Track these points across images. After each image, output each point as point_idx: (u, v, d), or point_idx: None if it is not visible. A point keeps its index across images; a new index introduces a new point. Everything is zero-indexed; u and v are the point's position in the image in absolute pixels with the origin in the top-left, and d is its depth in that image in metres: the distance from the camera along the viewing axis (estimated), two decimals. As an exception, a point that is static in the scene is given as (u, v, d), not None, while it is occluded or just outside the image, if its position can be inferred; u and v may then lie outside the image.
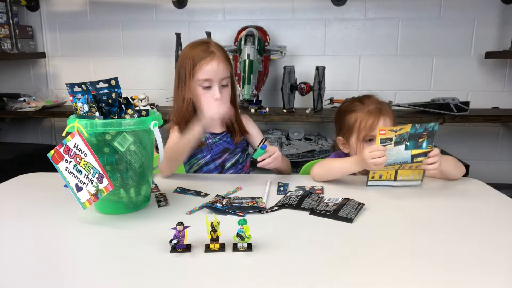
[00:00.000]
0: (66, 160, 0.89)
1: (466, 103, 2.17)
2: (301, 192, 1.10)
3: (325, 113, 2.23)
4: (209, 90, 1.29)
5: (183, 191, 1.13)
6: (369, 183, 1.16)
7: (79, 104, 0.94)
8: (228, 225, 0.82)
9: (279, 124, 2.54)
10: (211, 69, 1.27)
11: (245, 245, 0.78)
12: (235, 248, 0.78)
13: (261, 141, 1.31)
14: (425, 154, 1.10)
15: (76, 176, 0.88)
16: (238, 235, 0.77)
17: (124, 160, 0.93)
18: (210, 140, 1.39)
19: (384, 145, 1.08)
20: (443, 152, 2.15)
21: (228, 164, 1.40)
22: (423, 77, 2.44)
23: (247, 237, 0.77)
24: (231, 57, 1.38)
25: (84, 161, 0.87)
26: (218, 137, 1.39)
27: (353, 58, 2.46)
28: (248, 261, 0.75)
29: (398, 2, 2.37)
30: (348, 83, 2.46)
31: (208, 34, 2.29)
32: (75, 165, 0.88)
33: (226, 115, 1.27)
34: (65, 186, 0.91)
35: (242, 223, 0.77)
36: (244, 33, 2.21)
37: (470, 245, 0.81)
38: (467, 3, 2.33)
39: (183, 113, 1.34)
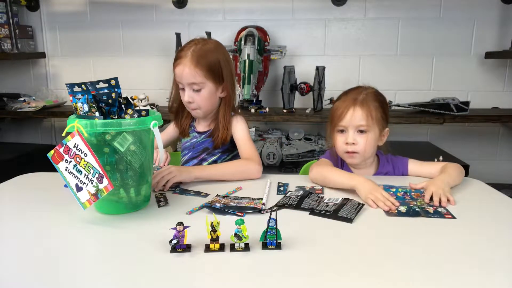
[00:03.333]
0: (66, 160, 0.89)
1: (466, 103, 2.17)
2: (301, 192, 1.10)
3: (325, 113, 2.23)
4: (184, 92, 1.30)
5: (183, 191, 1.13)
6: None
7: (79, 104, 0.94)
8: (228, 225, 0.81)
9: (279, 124, 2.54)
10: (178, 73, 1.27)
11: (242, 245, 0.78)
12: (232, 248, 0.78)
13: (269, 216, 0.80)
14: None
15: (76, 176, 0.88)
16: (235, 235, 0.77)
17: (124, 160, 0.93)
18: (194, 140, 1.40)
19: None
20: (443, 152, 2.15)
21: (205, 164, 1.38)
22: (423, 77, 2.44)
23: (245, 237, 0.77)
24: (231, 57, 1.35)
25: (84, 161, 0.87)
26: (203, 136, 1.38)
27: (353, 58, 2.46)
28: (248, 261, 0.75)
29: (398, 2, 2.37)
30: (348, 83, 2.42)
31: (208, 34, 2.29)
32: (75, 165, 0.88)
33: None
34: (65, 186, 0.91)
35: (240, 223, 0.77)
36: (244, 33, 2.21)
37: (470, 245, 0.81)
38: (467, 3, 2.33)
39: (179, 105, 1.38)
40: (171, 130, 1.47)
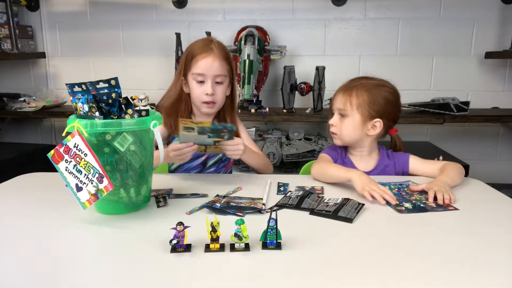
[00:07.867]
0: (66, 160, 0.89)
1: (466, 103, 2.17)
2: (301, 192, 1.10)
3: (325, 113, 2.23)
4: (202, 85, 1.31)
5: (177, 196, 1.10)
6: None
7: (79, 104, 0.94)
8: (228, 225, 0.81)
9: (279, 124, 2.54)
10: (205, 65, 1.29)
11: (242, 245, 0.78)
12: (232, 248, 0.78)
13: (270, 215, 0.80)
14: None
15: (76, 176, 0.88)
16: (235, 235, 0.77)
17: (124, 160, 0.93)
18: None
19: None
20: (443, 152, 2.15)
21: (210, 162, 1.40)
22: (423, 77, 2.44)
23: (245, 237, 0.77)
24: (231, 56, 1.38)
25: (84, 161, 0.87)
26: None
27: (353, 58, 2.46)
28: (248, 261, 0.75)
29: (398, 2, 2.37)
30: (348, 83, 2.46)
31: (208, 34, 2.29)
32: (75, 165, 0.88)
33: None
34: (67, 186, 0.91)
35: (240, 223, 0.77)
36: (244, 33, 2.21)
37: (470, 245, 0.81)
38: (467, 3, 2.33)
39: (175, 103, 1.37)
40: (162, 131, 1.37)
